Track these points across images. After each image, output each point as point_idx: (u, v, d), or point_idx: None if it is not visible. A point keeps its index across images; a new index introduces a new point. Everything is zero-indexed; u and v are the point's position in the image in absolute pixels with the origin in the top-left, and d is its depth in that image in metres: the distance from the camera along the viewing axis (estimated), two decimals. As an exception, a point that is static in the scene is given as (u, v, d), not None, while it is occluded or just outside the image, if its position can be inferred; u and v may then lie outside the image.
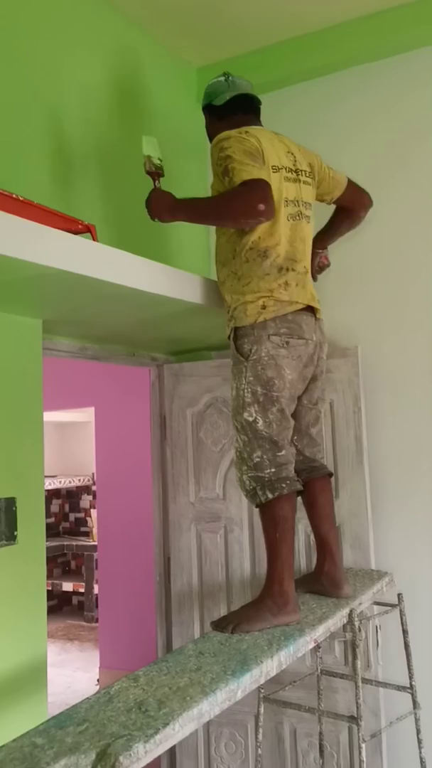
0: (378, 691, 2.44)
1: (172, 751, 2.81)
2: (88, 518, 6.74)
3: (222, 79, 2.15)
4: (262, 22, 2.67)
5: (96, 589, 5.20)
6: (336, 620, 1.90)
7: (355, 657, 1.98)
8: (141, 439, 3.47)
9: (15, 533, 1.99)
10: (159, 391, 2.97)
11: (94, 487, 6.00)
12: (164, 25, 2.66)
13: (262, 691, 2.27)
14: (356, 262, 2.71)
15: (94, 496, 5.49)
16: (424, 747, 2.28)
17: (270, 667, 1.55)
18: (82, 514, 6.86)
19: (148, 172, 2.15)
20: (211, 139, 2.09)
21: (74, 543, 6.46)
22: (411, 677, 2.27)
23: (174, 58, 2.87)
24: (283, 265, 1.95)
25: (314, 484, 2.08)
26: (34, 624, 2.06)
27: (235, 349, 1.95)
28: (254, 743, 2.54)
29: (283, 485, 1.84)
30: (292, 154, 2.06)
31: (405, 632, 2.30)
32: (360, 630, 1.99)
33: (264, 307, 1.91)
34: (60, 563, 6.68)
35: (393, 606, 2.31)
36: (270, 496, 1.83)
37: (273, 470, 1.86)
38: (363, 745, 1.94)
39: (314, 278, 2.23)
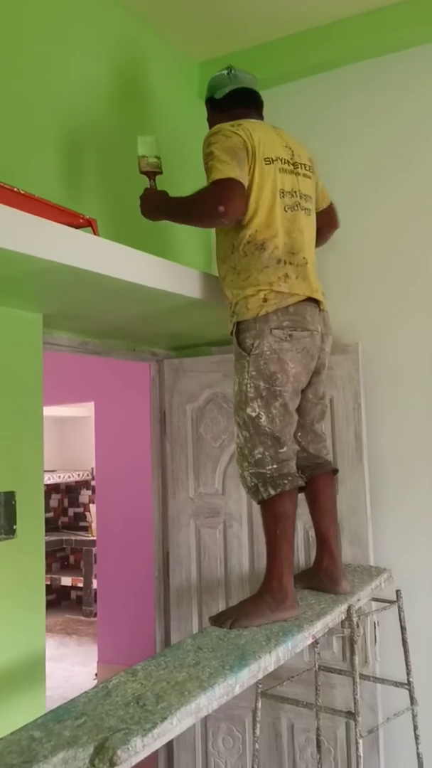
0: (376, 687, 2.44)
1: (169, 746, 2.82)
2: (87, 513, 6.75)
3: (225, 72, 2.15)
4: (264, 17, 2.66)
5: (95, 584, 5.21)
6: (334, 616, 1.90)
7: (353, 653, 1.98)
8: (141, 435, 3.47)
9: (14, 527, 1.99)
10: (159, 387, 2.97)
11: (93, 482, 6.01)
12: (167, 19, 2.65)
13: (260, 686, 2.28)
14: (357, 259, 2.71)
15: (94, 491, 5.50)
16: (421, 743, 2.28)
17: (268, 662, 1.56)
18: (81, 509, 6.86)
19: (143, 172, 2.17)
20: (212, 133, 2.09)
21: (73, 538, 6.47)
22: (408, 673, 2.27)
23: (176, 53, 2.86)
24: (282, 257, 1.94)
25: (317, 481, 2.08)
26: (32, 618, 2.06)
27: (237, 343, 1.94)
28: (252, 738, 2.55)
29: (285, 481, 1.83)
30: (290, 148, 2.05)
31: (403, 628, 2.30)
32: (358, 626, 1.99)
33: (265, 300, 1.90)
34: (59, 558, 6.69)
35: (391, 602, 2.31)
36: (272, 492, 1.82)
37: (275, 466, 1.85)
38: (360, 741, 1.95)
39: None
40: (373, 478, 2.59)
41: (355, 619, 1.96)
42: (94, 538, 5.13)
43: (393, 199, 2.65)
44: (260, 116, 2.14)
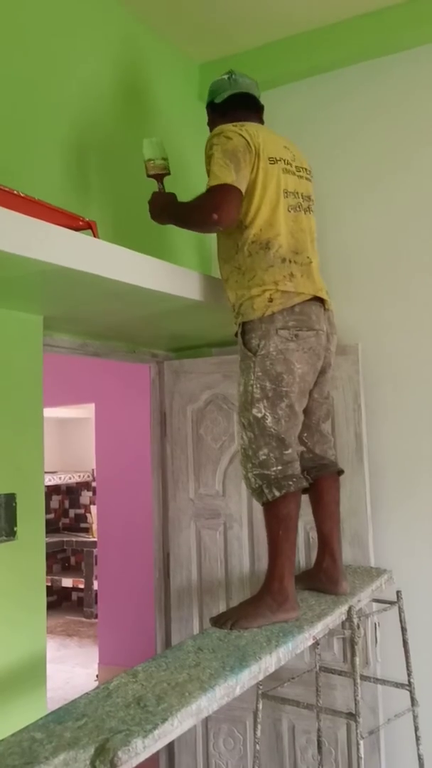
0: (376, 688, 2.44)
1: (170, 747, 2.82)
2: (87, 514, 6.75)
3: (225, 77, 2.16)
4: (265, 19, 2.66)
5: (95, 585, 5.21)
6: (335, 617, 1.90)
7: (353, 654, 1.98)
8: (141, 436, 3.47)
9: (15, 529, 1.99)
10: (159, 388, 2.97)
11: (94, 484, 6.01)
12: (167, 20, 2.66)
13: (261, 687, 2.28)
14: (357, 260, 2.71)
15: (94, 493, 5.50)
16: (422, 744, 2.28)
17: (269, 663, 1.56)
18: (81, 510, 6.86)
19: (150, 176, 2.16)
20: (213, 137, 2.10)
21: (74, 539, 6.47)
22: (409, 674, 2.27)
23: (177, 54, 2.86)
24: (287, 256, 1.95)
25: (322, 482, 2.08)
26: (33, 619, 2.06)
27: (242, 344, 1.93)
28: (252, 739, 2.55)
29: (290, 483, 1.83)
30: (290, 151, 2.07)
31: (404, 629, 2.30)
32: (359, 627, 1.99)
33: (271, 300, 1.90)
34: (60, 559, 6.69)
35: (392, 603, 2.31)
36: (277, 494, 1.82)
37: (279, 468, 1.85)
38: (361, 742, 1.95)
39: None
40: (374, 479, 2.59)
41: (355, 620, 1.96)
42: (95, 539, 5.14)
43: (393, 200, 2.65)
44: (260, 120, 2.15)
